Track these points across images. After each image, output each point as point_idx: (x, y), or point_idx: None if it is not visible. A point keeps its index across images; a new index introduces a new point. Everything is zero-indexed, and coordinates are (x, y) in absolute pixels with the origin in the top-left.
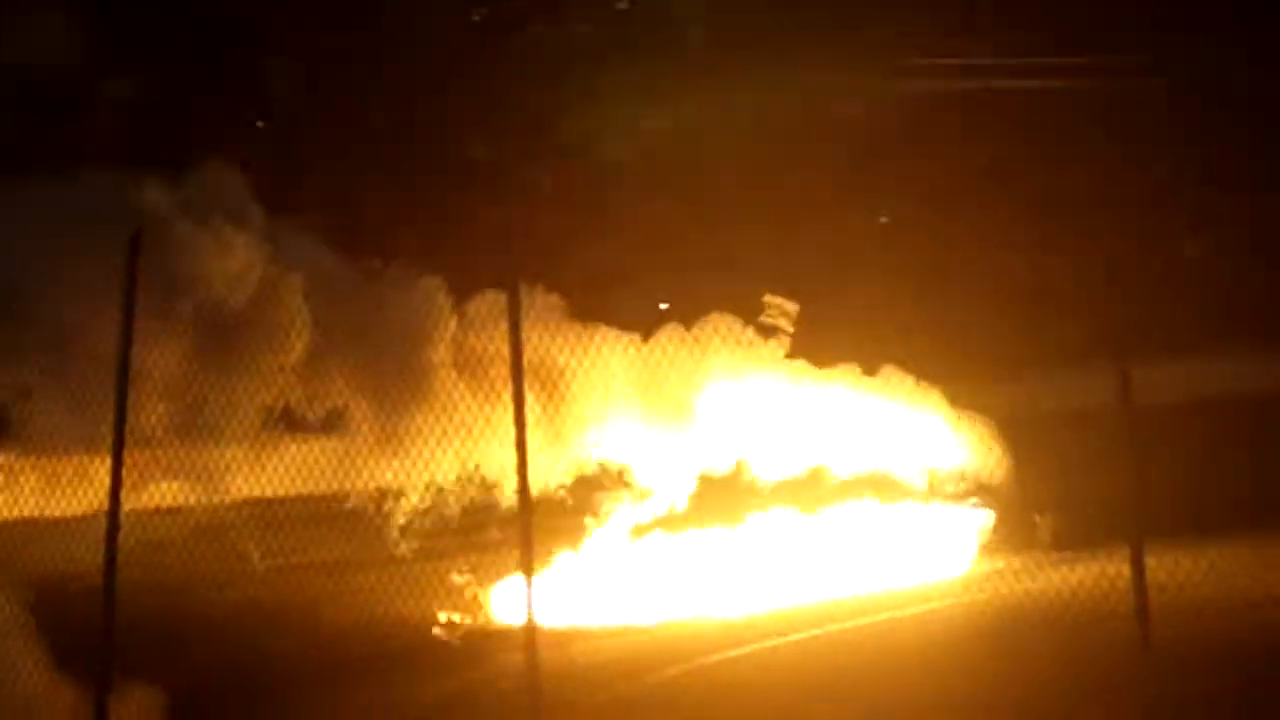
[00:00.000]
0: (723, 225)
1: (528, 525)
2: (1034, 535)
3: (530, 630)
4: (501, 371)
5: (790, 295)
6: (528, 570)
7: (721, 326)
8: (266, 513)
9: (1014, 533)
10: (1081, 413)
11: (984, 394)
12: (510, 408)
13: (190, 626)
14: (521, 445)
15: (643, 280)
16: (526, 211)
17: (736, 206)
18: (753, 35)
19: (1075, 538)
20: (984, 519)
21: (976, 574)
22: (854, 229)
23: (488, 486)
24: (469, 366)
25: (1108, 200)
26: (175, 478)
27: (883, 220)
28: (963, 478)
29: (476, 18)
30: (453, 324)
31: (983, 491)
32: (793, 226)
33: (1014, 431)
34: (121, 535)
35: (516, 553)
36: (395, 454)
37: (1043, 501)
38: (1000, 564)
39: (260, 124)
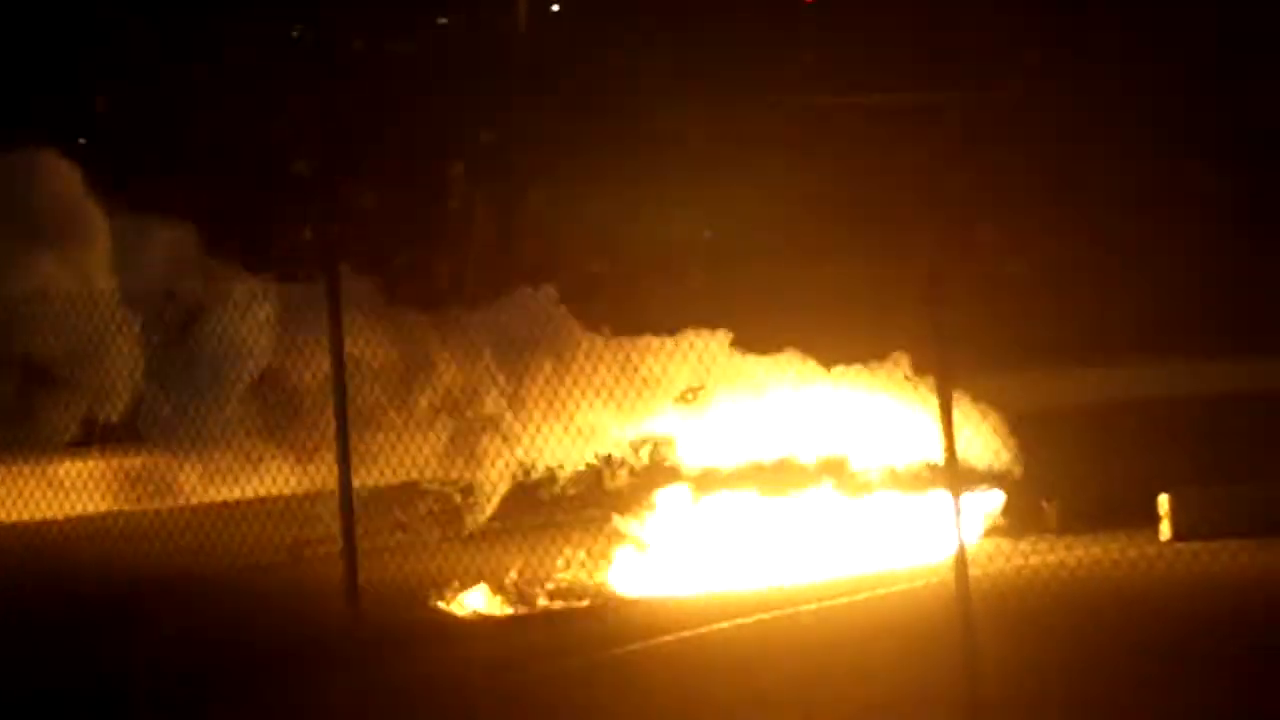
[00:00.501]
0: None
1: (349, 520)
2: (1041, 519)
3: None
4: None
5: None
6: (351, 567)
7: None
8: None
9: (1022, 517)
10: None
11: (994, 388)
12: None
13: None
14: (344, 439)
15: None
16: (349, 226)
17: (567, 216)
18: (577, 46)
19: (1080, 522)
20: (992, 503)
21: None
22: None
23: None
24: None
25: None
26: None
27: (708, 234)
28: (972, 465)
29: (296, 34)
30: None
31: (992, 478)
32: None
33: (1026, 424)
34: None
35: None
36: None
37: (1050, 487)
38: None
39: (82, 140)
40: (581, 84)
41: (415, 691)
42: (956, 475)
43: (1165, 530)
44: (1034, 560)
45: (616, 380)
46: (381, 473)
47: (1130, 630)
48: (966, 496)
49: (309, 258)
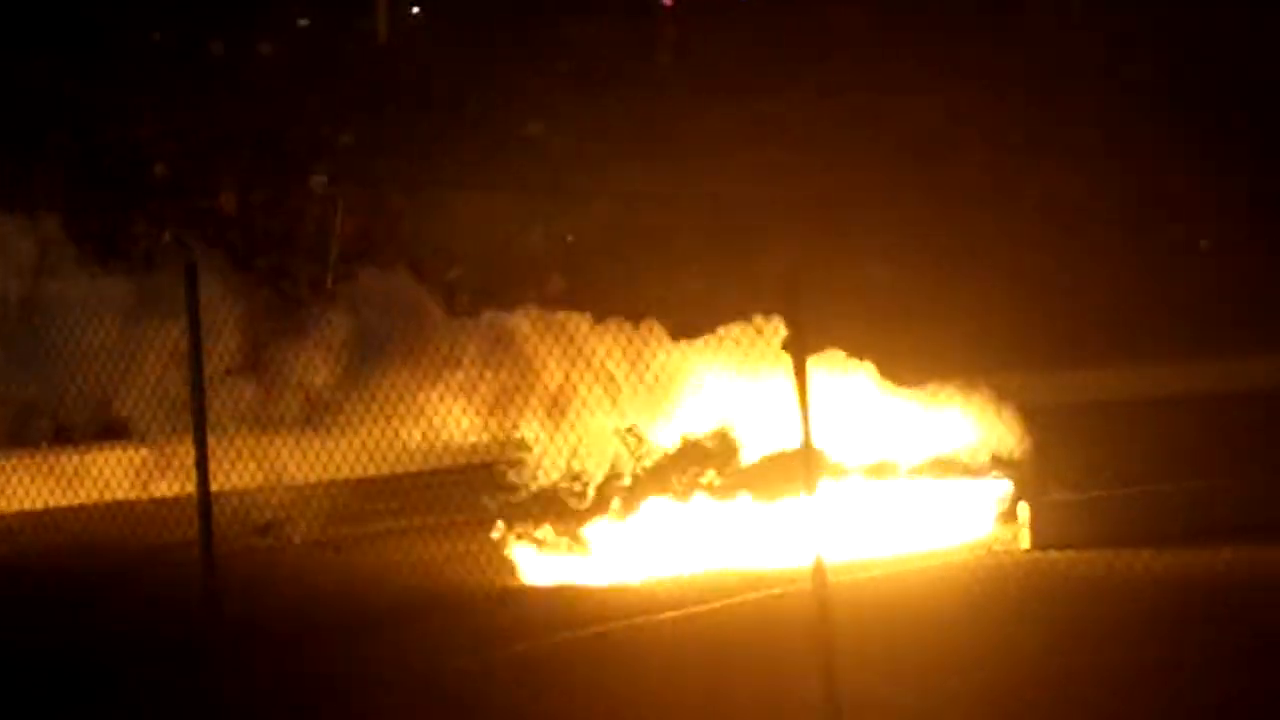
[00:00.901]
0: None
1: (207, 524)
2: None
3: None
4: None
5: None
6: (209, 570)
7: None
8: None
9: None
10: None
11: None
12: None
13: None
14: (201, 442)
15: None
16: (208, 228)
17: (427, 222)
18: (437, 48)
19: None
20: (1002, 491)
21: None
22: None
23: None
24: None
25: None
26: None
27: (569, 239)
28: (982, 453)
29: (157, 37)
30: None
31: (1002, 466)
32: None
33: (1038, 417)
34: None
35: None
36: None
37: (1061, 476)
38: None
39: None
40: (442, 87)
41: (277, 693)
42: (814, 474)
43: (1025, 539)
44: (894, 569)
45: (481, 374)
46: (240, 476)
47: (974, 640)
48: (974, 484)
49: (168, 259)
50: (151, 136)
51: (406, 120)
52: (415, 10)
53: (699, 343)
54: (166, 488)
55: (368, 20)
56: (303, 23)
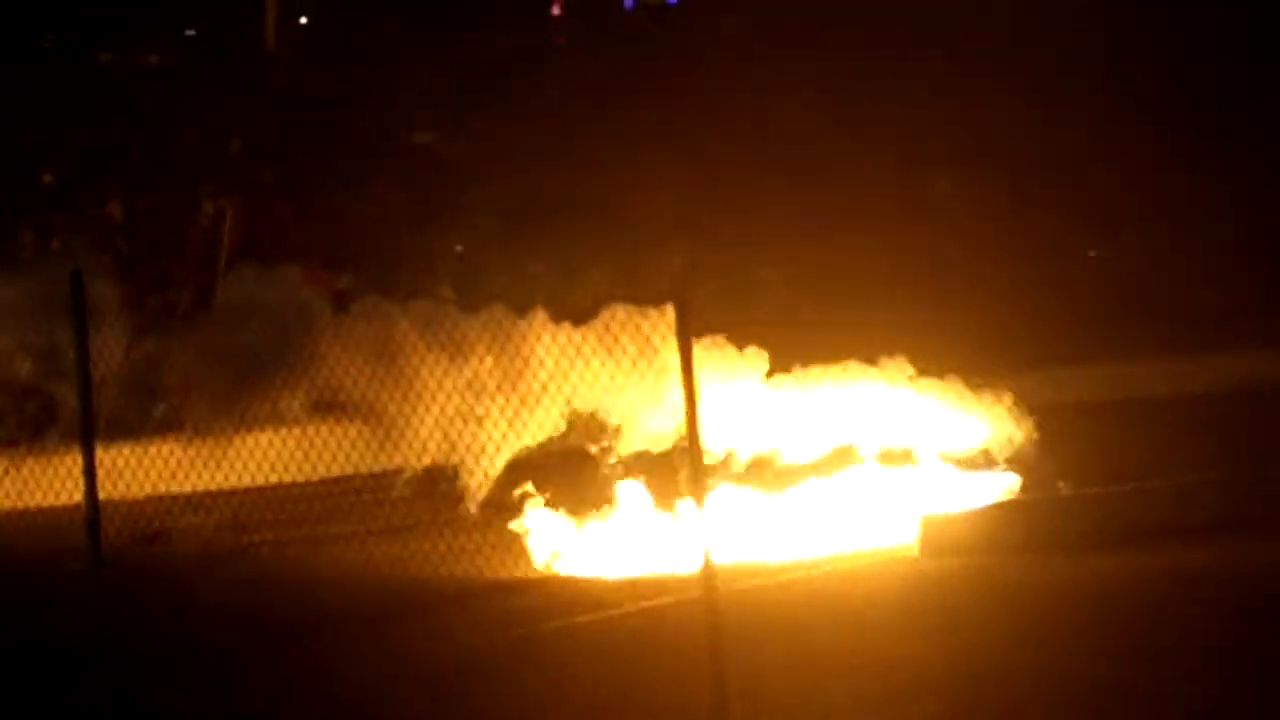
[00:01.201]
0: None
1: (96, 536)
2: None
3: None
4: None
5: None
6: (96, 577)
7: None
8: None
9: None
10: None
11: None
12: None
13: None
14: (90, 451)
15: None
16: (95, 236)
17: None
18: (325, 57)
19: None
20: (1008, 484)
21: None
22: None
23: None
24: None
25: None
26: None
27: (458, 250)
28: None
29: (48, 45)
30: None
31: (1009, 461)
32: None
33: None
34: None
35: None
36: None
37: (1066, 470)
38: None
39: None
40: (331, 95)
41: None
42: (701, 477)
43: (915, 548)
44: (783, 577)
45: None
46: (128, 485)
47: (857, 647)
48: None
49: (55, 266)
50: (38, 143)
51: (295, 128)
52: (303, 20)
53: (583, 329)
54: (54, 497)
55: (256, 28)
56: (190, 32)
